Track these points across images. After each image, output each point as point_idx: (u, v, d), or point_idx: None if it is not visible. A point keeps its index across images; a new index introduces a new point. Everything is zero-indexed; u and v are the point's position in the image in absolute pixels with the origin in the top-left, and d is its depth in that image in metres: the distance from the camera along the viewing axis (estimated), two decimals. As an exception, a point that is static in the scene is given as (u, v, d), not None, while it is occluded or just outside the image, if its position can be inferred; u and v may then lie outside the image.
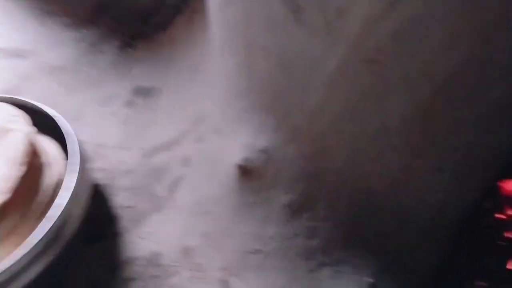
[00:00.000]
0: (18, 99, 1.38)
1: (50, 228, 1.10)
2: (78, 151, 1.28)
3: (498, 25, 0.86)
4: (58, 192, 1.18)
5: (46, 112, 1.35)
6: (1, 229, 1.10)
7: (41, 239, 1.08)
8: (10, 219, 1.11)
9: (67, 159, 1.26)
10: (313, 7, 1.00)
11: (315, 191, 1.30)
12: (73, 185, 1.21)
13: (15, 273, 1.05)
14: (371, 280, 1.28)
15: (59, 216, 1.12)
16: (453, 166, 1.08)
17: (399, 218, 1.22)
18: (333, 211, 1.28)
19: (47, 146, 1.35)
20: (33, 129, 1.26)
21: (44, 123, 1.33)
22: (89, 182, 1.36)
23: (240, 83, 1.33)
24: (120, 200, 1.46)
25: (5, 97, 1.38)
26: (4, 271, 1.02)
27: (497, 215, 1.30)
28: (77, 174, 1.23)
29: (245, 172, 1.34)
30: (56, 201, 1.15)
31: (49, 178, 1.24)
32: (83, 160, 1.30)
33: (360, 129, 1.14)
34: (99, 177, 1.49)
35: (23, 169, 1.14)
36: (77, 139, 1.31)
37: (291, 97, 1.21)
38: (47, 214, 1.12)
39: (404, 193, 1.17)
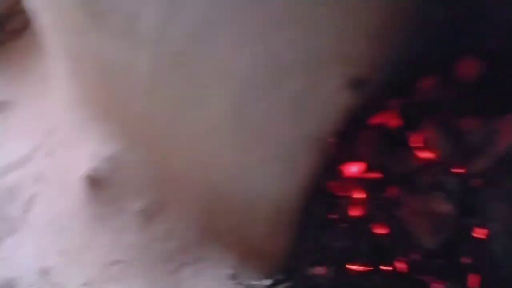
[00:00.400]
0: None
1: None
2: None
3: (280, 25, 0.87)
4: None
5: None
6: None
7: None
8: None
9: None
10: (109, 11, 0.96)
11: (165, 195, 1.29)
12: None
13: None
14: (231, 271, 1.31)
15: None
16: (279, 156, 1.11)
17: (246, 209, 1.24)
18: (185, 211, 1.28)
19: None
20: None
21: None
22: None
23: (76, 91, 1.28)
24: (-31, 228, 1.36)
25: None
26: None
27: (340, 195, 1.36)
28: None
29: (94, 182, 1.30)
30: None
31: None
32: None
33: (191, 130, 1.14)
34: None
35: None
36: None
37: (121, 104, 1.18)
38: None
39: (243, 186, 1.19)
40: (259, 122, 1.04)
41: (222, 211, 1.27)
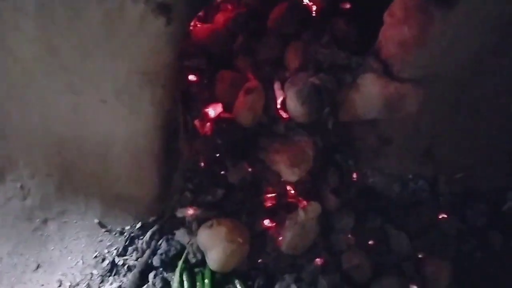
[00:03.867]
0: None
1: None
2: None
3: None
4: None
5: None
6: None
7: None
8: None
9: None
10: None
11: (12, 152, 1.20)
12: None
13: None
14: (97, 220, 1.28)
15: None
16: (118, 95, 1.04)
17: (99, 156, 1.19)
18: (36, 167, 1.21)
19: None
20: None
21: None
22: None
23: None
24: None
25: None
26: None
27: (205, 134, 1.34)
28: None
29: None
30: None
31: None
32: None
33: (6, 81, 1.04)
34: None
35: None
36: None
37: None
38: None
39: (89, 131, 1.13)
40: (72, 58, 0.95)
41: (75, 161, 1.21)
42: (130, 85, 1.02)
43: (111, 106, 1.07)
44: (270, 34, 1.47)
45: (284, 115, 1.35)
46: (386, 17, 1.32)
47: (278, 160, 1.32)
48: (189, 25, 0.99)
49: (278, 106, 1.35)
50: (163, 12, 0.86)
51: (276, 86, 1.34)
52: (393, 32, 1.31)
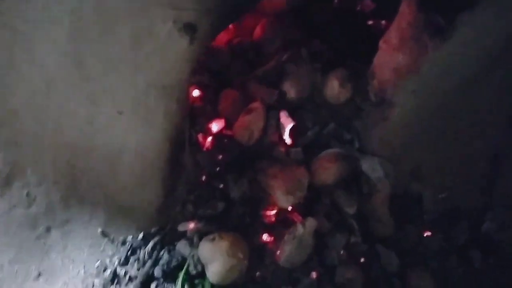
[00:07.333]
0: None
1: None
2: None
3: None
4: None
5: None
6: None
7: None
8: None
9: None
10: None
11: (21, 158, 1.21)
12: None
13: None
14: (100, 229, 1.29)
15: None
16: (133, 106, 1.08)
17: (107, 165, 1.21)
18: (43, 174, 1.22)
19: None
20: None
21: None
22: None
23: None
24: None
25: None
26: None
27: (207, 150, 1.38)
28: None
29: None
30: None
31: None
32: None
33: (27, 87, 1.06)
34: None
35: None
36: None
37: None
38: None
39: (101, 141, 1.15)
40: (96, 70, 0.99)
41: (83, 169, 1.23)
42: (147, 98, 1.07)
43: (126, 117, 1.11)
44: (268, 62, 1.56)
45: (288, 141, 1.40)
46: (382, 44, 1.42)
47: (274, 186, 1.37)
48: (208, 45, 1.05)
49: (285, 133, 1.40)
50: (188, 32, 0.91)
51: (283, 113, 1.41)
52: (387, 59, 1.41)
